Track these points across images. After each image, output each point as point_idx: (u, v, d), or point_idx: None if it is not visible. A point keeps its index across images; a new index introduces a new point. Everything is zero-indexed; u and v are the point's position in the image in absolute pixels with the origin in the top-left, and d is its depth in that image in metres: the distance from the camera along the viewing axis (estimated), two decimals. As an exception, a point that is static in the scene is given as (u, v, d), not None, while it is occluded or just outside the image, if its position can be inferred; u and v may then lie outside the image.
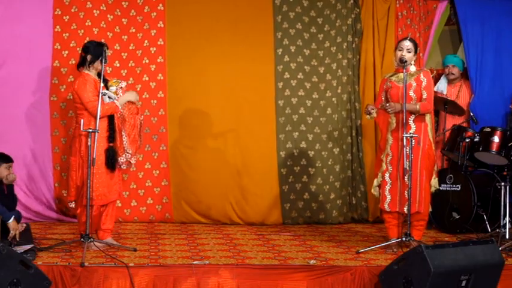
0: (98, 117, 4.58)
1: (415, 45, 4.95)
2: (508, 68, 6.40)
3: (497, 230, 5.27)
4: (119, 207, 5.87)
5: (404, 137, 4.71)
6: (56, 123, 5.99)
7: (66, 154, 5.83)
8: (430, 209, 5.05)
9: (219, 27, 6.20)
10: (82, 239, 4.60)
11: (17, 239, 4.48)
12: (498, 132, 5.59)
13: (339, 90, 6.35)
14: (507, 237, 5.08)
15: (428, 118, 4.94)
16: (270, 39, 6.28)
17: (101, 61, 4.70)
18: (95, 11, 6.03)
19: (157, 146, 6.16)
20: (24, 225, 4.82)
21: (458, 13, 6.43)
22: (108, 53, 4.90)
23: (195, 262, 4.37)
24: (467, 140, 5.72)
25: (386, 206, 4.97)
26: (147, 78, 6.13)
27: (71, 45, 5.98)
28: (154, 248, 4.92)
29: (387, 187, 4.96)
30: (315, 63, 6.34)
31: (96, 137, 4.55)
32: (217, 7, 6.22)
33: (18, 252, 4.01)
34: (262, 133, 6.23)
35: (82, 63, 4.84)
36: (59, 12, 5.99)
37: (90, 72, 4.81)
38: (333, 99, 6.33)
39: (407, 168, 4.71)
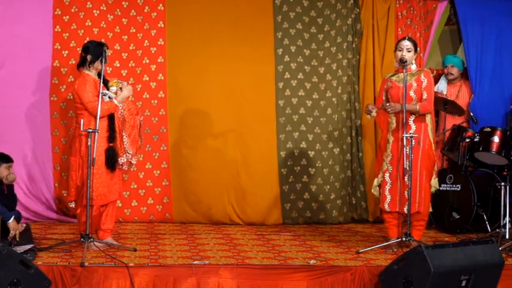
0: (98, 117, 4.58)
1: (415, 45, 4.95)
2: (508, 68, 6.40)
3: (497, 230, 5.27)
4: (119, 207, 5.87)
5: (404, 137, 4.71)
6: (56, 123, 5.99)
7: (66, 154, 5.83)
8: (431, 209, 5.05)
9: (219, 27, 6.20)
10: (82, 239, 4.60)
11: (17, 239, 4.48)
12: (498, 132, 5.59)
13: (339, 91, 6.35)
14: (507, 237, 5.08)
15: (428, 118, 4.94)
16: (270, 39, 6.28)
17: (101, 61, 4.70)
18: (95, 11, 6.03)
19: (157, 146, 6.16)
20: (24, 225, 4.82)
21: (458, 13, 6.43)
22: (108, 53, 4.91)
23: (195, 262, 4.37)
24: (467, 140, 5.72)
25: (386, 206, 4.97)
26: (147, 78, 6.14)
27: (71, 45, 5.98)
28: (154, 248, 4.92)
29: (387, 187, 4.96)
30: (315, 63, 6.34)
31: (96, 137, 4.55)
32: (217, 7, 6.22)
33: (18, 252, 4.01)
34: (262, 133, 6.23)
35: (82, 63, 4.84)
36: (59, 12, 5.99)
37: (90, 73, 4.81)
38: (333, 99, 6.33)
39: (407, 168, 4.71)
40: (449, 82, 6.35)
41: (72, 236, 5.22)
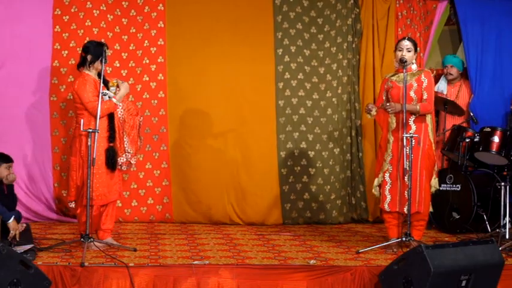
0: (98, 117, 4.58)
1: (415, 44, 4.94)
2: (508, 68, 6.40)
3: (497, 230, 5.27)
4: (119, 207, 5.87)
5: (404, 137, 4.71)
6: (56, 123, 5.99)
7: (66, 154, 5.84)
8: (431, 209, 5.04)
9: (219, 27, 6.20)
10: (82, 239, 4.60)
11: (17, 239, 4.47)
12: (498, 132, 5.59)
13: (339, 91, 6.35)
14: (507, 237, 5.08)
15: (429, 118, 4.94)
16: (270, 39, 6.28)
17: (101, 61, 4.70)
18: (94, 11, 6.03)
19: (158, 146, 6.16)
20: (24, 225, 4.82)
21: (458, 13, 6.43)
22: (108, 53, 4.90)
23: (195, 262, 4.37)
24: (467, 140, 5.72)
25: (386, 206, 4.97)
26: (147, 78, 6.14)
27: (71, 45, 5.98)
28: (154, 248, 4.92)
29: (387, 187, 4.96)
30: (315, 63, 6.34)
31: (96, 137, 4.55)
32: (217, 7, 6.22)
33: (18, 252, 4.01)
34: (262, 133, 6.23)
35: (82, 63, 4.84)
36: (59, 12, 5.99)
37: (90, 72, 4.81)
38: (333, 99, 6.33)
39: (407, 168, 4.71)
40: (449, 82, 6.35)
41: (72, 236, 5.22)
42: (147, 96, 6.13)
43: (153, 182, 6.15)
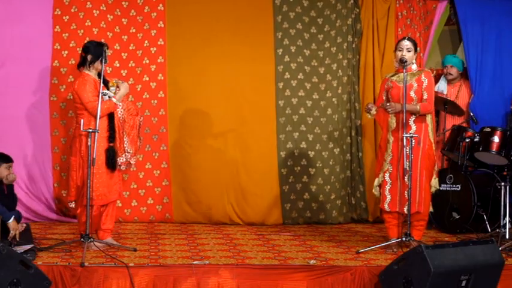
0: (98, 117, 4.58)
1: (415, 44, 4.94)
2: (508, 68, 6.40)
3: (497, 230, 5.27)
4: (119, 207, 5.87)
5: (404, 137, 4.71)
6: (56, 123, 5.99)
7: (66, 154, 5.84)
8: (431, 209, 5.04)
9: (219, 27, 6.20)
10: (82, 239, 4.60)
11: (17, 239, 4.47)
12: (498, 132, 5.59)
13: (339, 91, 6.35)
14: (507, 237, 5.08)
15: (429, 118, 4.94)
16: (270, 39, 6.28)
17: (101, 61, 4.70)
18: (94, 11, 6.03)
19: (157, 146, 6.16)
20: (24, 225, 4.82)
21: (458, 13, 6.43)
22: (108, 53, 4.90)
23: (195, 262, 4.37)
24: (467, 140, 5.72)
25: (386, 206, 4.97)
26: (147, 79, 6.14)
27: (71, 45, 5.98)
28: (154, 248, 4.92)
29: (387, 187, 4.96)
30: (315, 63, 6.34)
31: (96, 137, 4.55)
32: (217, 7, 6.22)
33: (18, 252, 4.01)
34: (262, 133, 6.23)
35: (82, 63, 4.84)
36: (59, 12, 5.99)
37: (90, 73, 4.81)
38: (333, 99, 6.33)
39: (407, 169, 4.71)
40: (449, 82, 6.35)
41: (72, 236, 5.22)
42: (147, 96, 6.13)
43: (153, 182, 6.15)
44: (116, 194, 4.88)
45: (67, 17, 5.99)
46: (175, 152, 6.16)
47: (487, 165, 5.87)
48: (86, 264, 4.18)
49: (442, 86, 6.33)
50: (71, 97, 5.36)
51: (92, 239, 4.61)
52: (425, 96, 4.88)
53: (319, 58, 6.35)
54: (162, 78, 6.15)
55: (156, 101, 6.14)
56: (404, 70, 4.78)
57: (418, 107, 4.83)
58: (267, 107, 6.25)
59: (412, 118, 4.88)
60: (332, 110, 6.33)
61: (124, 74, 6.04)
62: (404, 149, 4.70)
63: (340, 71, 6.35)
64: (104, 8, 6.06)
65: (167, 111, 6.15)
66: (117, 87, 4.85)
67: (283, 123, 6.27)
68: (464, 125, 6.04)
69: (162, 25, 6.16)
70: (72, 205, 4.92)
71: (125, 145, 4.85)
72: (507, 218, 5.18)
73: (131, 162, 4.96)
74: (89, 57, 4.78)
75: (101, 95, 4.60)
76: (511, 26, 6.42)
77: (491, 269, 4.05)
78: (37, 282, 3.76)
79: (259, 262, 4.48)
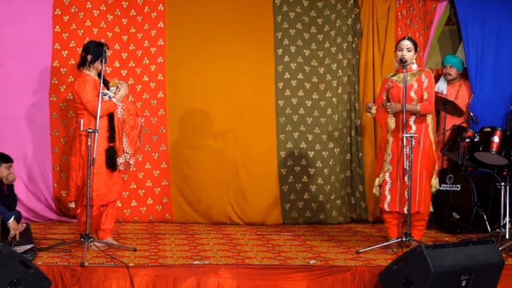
0: (98, 117, 4.58)
1: (415, 44, 4.94)
2: (508, 68, 6.40)
3: (497, 230, 5.27)
4: (119, 207, 5.87)
5: (404, 137, 4.71)
6: (56, 123, 5.99)
7: (66, 154, 5.84)
8: (431, 209, 5.04)
9: (219, 27, 6.20)
10: (82, 239, 4.60)
11: (17, 239, 4.48)
12: (498, 132, 5.59)
13: (339, 91, 6.34)
14: (507, 237, 5.08)
15: (429, 118, 4.94)
16: (270, 39, 6.28)
17: (101, 61, 4.70)
18: (94, 11, 6.03)
19: (157, 146, 6.16)
20: (24, 225, 4.82)
21: (458, 13, 6.43)
22: (109, 53, 4.90)
23: (195, 262, 4.37)
24: (467, 140, 5.72)
25: (386, 205, 4.97)
26: (147, 79, 6.13)
27: (71, 45, 5.98)
28: (154, 248, 4.92)
29: (387, 187, 4.96)
30: (315, 63, 6.34)
31: (96, 137, 4.55)
32: (217, 7, 6.22)
33: (18, 252, 4.01)
34: (262, 133, 6.23)
35: (82, 63, 4.84)
36: (59, 12, 5.98)
37: (90, 73, 4.81)
38: (333, 99, 6.33)
39: (407, 169, 4.71)
40: (449, 82, 6.35)
41: (72, 236, 5.22)
42: (147, 96, 6.13)
43: (153, 182, 6.14)
44: (116, 194, 4.88)
45: (67, 17, 5.99)
46: (175, 152, 6.16)
47: (487, 165, 5.87)
48: (86, 264, 4.18)
49: (441, 86, 6.32)
50: (71, 97, 5.36)
51: (92, 239, 4.61)
52: (425, 96, 4.88)
53: (319, 58, 6.34)
54: (162, 78, 6.14)
55: (155, 101, 6.14)
56: (404, 70, 4.78)
57: (418, 107, 4.83)
58: (266, 107, 6.25)
59: (412, 118, 4.88)
60: (332, 110, 6.33)
61: (124, 74, 6.04)
62: (404, 149, 4.70)
63: (340, 71, 6.35)
64: (104, 8, 6.06)
65: (167, 111, 6.15)
66: (117, 88, 4.85)
67: (283, 123, 6.27)
68: (464, 125, 6.04)
69: (162, 25, 6.16)
70: (72, 205, 4.92)
71: (123, 145, 4.85)
72: (507, 218, 5.18)
73: (130, 162, 4.95)
74: (89, 57, 4.78)
75: (101, 95, 4.60)
76: (511, 26, 6.42)
77: (491, 269, 4.05)
78: (37, 282, 3.76)
79: (259, 262, 4.48)
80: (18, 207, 5.25)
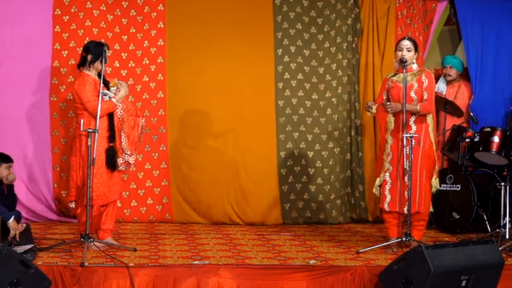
0: (98, 117, 4.58)
1: (415, 44, 4.94)
2: (508, 68, 6.39)
3: (497, 230, 5.27)
4: (119, 207, 5.86)
5: (404, 137, 4.71)
6: (56, 123, 5.99)
7: (66, 154, 5.84)
8: (431, 210, 5.04)
9: (219, 27, 6.20)
10: (82, 239, 4.60)
11: (17, 239, 4.47)
12: (498, 132, 5.59)
13: (339, 91, 6.34)
14: (507, 237, 5.08)
15: (429, 118, 4.93)
16: (270, 39, 6.28)
17: (101, 61, 4.70)
18: (94, 11, 6.03)
19: (157, 146, 6.16)
20: (24, 225, 4.82)
21: (458, 13, 6.43)
22: (109, 53, 4.90)
23: (195, 262, 4.37)
24: (467, 140, 5.72)
25: (386, 205, 4.97)
26: (147, 79, 6.13)
27: (71, 45, 5.98)
28: (154, 248, 4.92)
29: (387, 187, 4.96)
30: (315, 63, 6.34)
31: (96, 137, 4.55)
32: (217, 7, 6.22)
33: (18, 252, 4.01)
34: (262, 133, 6.23)
35: (82, 63, 4.84)
36: (59, 12, 5.98)
37: (90, 73, 4.81)
38: (333, 99, 6.33)
39: (407, 169, 4.71)
40: (448, 83, 6.35)
41: (72, 236, 5.22)
42: (147, 96, 6.13)
43: (153, 182, 6.14)
44: (116, 194, 4.88)
45: (67, 17, 5.99)
46: (175, 152, 6.16)
47: (487, 165, 5.87)
48: (86, 264, 4.18)
49: (441, 87, 6.32)
50: (71, 97, 5.36)
51: (92, 239, 4.61)
52: (425, 96, 4.88)
53: (319, 58, 6.34)
54: (162, 78, 6.14)
55: (155, 101, 6.14)
56: (404, 70, 4.77)
57: (418, 107, 4.83)
58: (266, 107, 6.25)
59: (413, 118, 4.88)
60: (332, 109, 6.32)
61: (124, 74, 6.04)
62: (405, 149, 4.70)
63: (339, 71, 6.35)
64: (104, 8, 6.06)
65: (167, 111, 6.15)
66: (117, 88, 4.85)
67: (283, 123, 6.27)
68: (464, 125, 6.04)
69: (162, 25, 6.16)
70: (72, 205, 4.92)
71: (122, 145, 4.85)
72: (507, 218, 5.18)
73: (130, 161, 4.95)
74: (89, 57, 4.78)
75: (101, 95, 4.60)
76: (511, 26, 6.41)
77: (491, 269, 4.05)
78: (37, 282, 3.76)
79: (259, 262, 4.48)
80: (18, 208, 5.25)
